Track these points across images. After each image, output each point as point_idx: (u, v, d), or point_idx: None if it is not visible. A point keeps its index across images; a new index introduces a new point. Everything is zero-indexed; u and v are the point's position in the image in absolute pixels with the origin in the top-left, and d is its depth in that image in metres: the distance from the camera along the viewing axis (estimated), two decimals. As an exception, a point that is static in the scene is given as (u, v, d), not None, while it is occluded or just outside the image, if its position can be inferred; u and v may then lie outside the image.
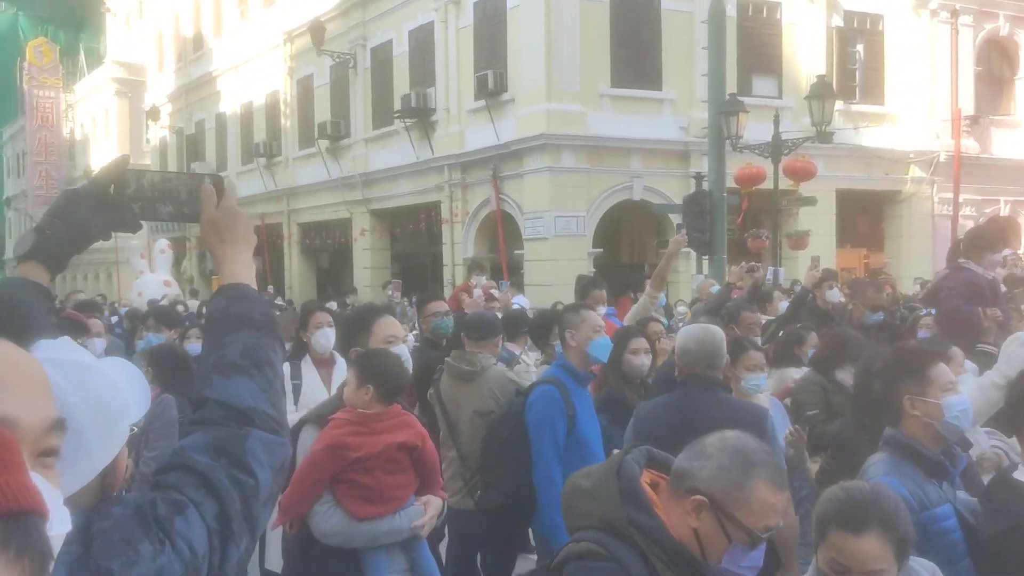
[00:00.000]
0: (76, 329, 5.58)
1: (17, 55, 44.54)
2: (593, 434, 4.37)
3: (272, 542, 4.57)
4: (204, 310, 9.58)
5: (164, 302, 14.06)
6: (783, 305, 8.20)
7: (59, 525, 0.82)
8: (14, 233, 47.55)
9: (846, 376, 4.70)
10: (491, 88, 17.62)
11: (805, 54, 19.11)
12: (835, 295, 7.80)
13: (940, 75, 20.58)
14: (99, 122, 43.90)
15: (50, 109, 43.78)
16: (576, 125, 16.96)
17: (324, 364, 5.15)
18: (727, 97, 13.46)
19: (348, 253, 23.43)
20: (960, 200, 19.02)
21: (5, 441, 0.74)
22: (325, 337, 5.10)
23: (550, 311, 7.53)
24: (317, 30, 21.62)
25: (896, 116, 20.43)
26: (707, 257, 13.28)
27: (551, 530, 4.06)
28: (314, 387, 5.00)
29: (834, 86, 16.03)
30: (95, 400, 1.21)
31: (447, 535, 5.01)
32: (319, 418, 3.34)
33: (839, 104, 16.52)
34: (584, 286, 7.17)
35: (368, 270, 22.43)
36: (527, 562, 5.00)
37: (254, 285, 1.58)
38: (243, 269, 1.57)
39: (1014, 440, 3.53)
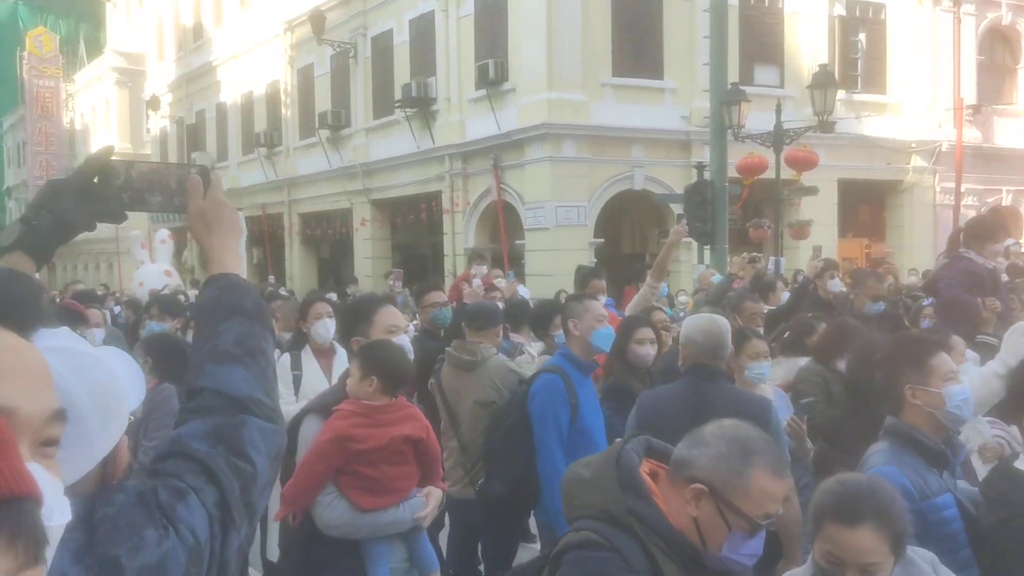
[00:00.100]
0: (74, 319, 5.58)
1: (17, 45, 44.47)
2: (596, 424, 4.37)
3: (273, 532, 4.58)
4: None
5: (165, 292, 14.06)
6: (786, 296, 8.19)
7: (59, 515, 0.82)
8: (15, 223, 47.46)
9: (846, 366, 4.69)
10: (492, 77, 17.58)
11: (807, 43, 19.06)
12: (836, 285, 7.79)
13: (942, 64, 20.53)
14: (99, 112, 43.86)
15: (50, 99, 43.73)
16: (577, 114, 16.92)
17: (324, 354, 5.16)
18: (729, 86, 13.41)
19: (349, 243, 23.42)
20: (962, 190, 18.97)
21: None
22: (325, 328, 5.11)
23: (551, 301, 7.53)
24: (317, 19, 21.57)
25: (898, 105, 20.39)
26: (708, 247, 13.27)
27: (555, 518, 4.06)
28: (314, 377, 5.01)
29: (836, 75, 15.98)
30: (96, 388, 1.21)
31: (447, 524, 5.03)
32: (322, 408, 3.33)
33: (841, 93, 16.49)
34: (584, 276, 7.18)
35: (369, 260, 22.44)
36: (527, 551, 5.02)
37: (243, 275, 1.59)
38: (232, 259, 1.58)
39: (1015, 429, 3.54)
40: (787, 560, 3.54)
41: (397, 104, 20.16)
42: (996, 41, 21.90)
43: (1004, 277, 6.66)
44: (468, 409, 4.67)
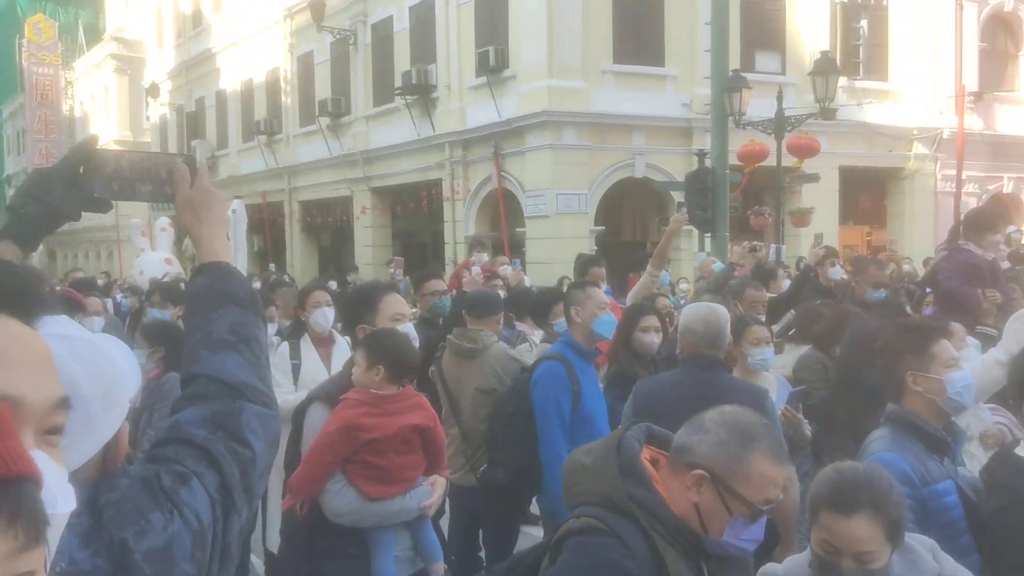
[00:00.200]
0: (73, 307, 5.56)
1: (16, 32, 44.31)
2: (598, 411, 4.38)
3: (274, 521, 4.58)
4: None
5: (166, 280, 14.05)
6: (787, 283, 8.20)
7: (64, 503, 0.82)
8: (15, 211, 47.40)
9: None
10: (492, 65, 17.52)
11: (808, 30, 18.99)
12: (837, 272, 7.79)
13: (944, 51, 20.46)
14: (99, 99, 43.74)
15: (49, 86, 43.61)
16: (578, 102, 16.87)
17: (323, 343, 5.14)
18: (730, 73, 13.34)
19: (349, 231, 23.41)
20: (963, 177, 18.94)
21: None
22: (323, 316, 5.09)
23: (551, 289, 7.53)
24: (317, 6, 21.48)
25: (900, 92, 20.33)
26: (709, 235, 13.25)
27: (558, 505, 4.07)
28: (313, 366, 5.00)
29: (838, 62, 15.91)
30: (98, 375, 1.21)
31: (448, 511, 5.04)
32: (328, 396, 3.31)
33: (842, 80, 16.44)
34: (583, 264, 7.18)
35: (369, 248, 22.43)
36: (528, 536, 5.03)
37: (234, 263, 1.59)
38: (222, 247, 1.60)
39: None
40: (784, 547, 3.56)
41: (397, 91, 20.11)
42: (998, 28, 21.81)
43: (1005, 264, 6.66)
44: (469, 396, 4.68)
